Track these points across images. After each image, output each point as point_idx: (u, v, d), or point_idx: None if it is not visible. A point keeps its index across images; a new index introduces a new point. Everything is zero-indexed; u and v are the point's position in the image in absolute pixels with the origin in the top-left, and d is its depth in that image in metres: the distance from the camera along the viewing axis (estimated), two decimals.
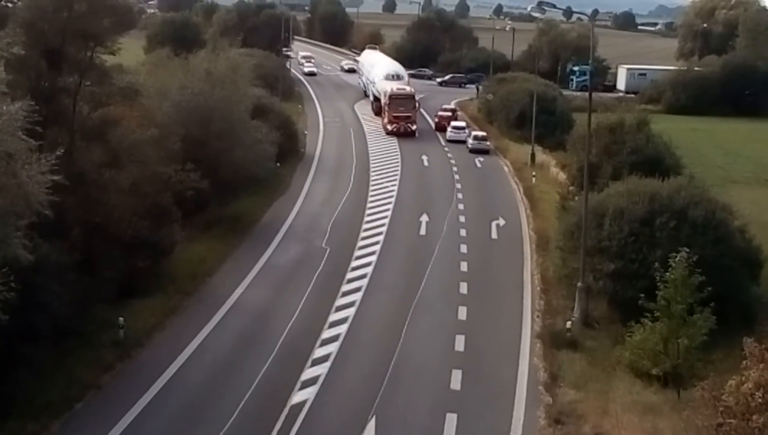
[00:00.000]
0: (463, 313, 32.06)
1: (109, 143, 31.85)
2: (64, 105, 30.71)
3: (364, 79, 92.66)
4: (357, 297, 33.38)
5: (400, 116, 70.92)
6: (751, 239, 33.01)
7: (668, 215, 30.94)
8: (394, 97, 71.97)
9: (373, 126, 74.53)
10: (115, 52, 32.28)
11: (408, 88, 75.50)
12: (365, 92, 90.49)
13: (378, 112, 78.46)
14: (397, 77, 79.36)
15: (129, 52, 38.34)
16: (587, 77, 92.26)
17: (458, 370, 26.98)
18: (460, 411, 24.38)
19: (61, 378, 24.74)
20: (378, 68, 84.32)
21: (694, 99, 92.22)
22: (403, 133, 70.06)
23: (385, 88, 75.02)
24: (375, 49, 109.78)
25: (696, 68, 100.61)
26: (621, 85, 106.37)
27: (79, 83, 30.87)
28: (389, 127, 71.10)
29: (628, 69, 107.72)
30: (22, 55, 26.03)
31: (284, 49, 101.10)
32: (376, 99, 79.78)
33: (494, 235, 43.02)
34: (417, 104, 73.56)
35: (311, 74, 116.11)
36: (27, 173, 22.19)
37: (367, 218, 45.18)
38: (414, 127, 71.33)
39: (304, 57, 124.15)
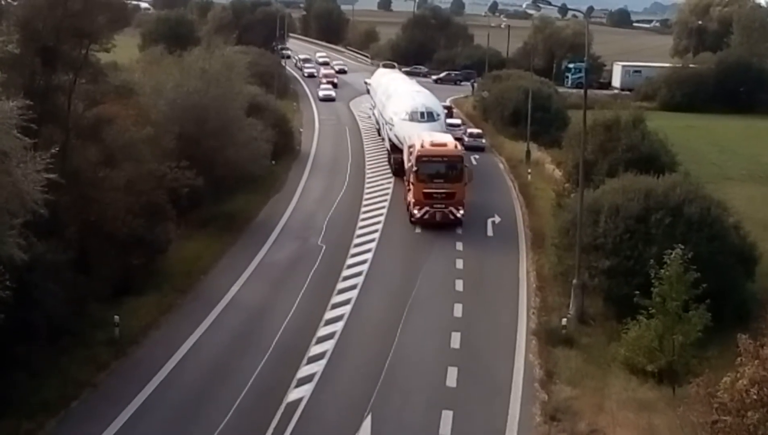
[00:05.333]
0: (458, 310, 32.05)
1: (104, 141, 31.87)
2: (59, 103, 30.71)
3: (376, 112, 65.10)
4: (353, 295, 33.36)
5: (436, 193, 41.43)
6: (745, 236, 33.04)
7: (663, 212, 31.00)
8: (425, 160, 41.92)
9: (369, 123, 74.15)
10: (110, 49, 32.36)
11: (450, 142, 44.59)
12: (378, 131, 63.80)
13: (397, 171, 50.02)
14: (428, 116, 49.37)
15: (123, 49, 38.30)
16: (582, 74, 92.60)
17: (454, 368, 26.98)
18: (456, 408, 24.39)
19: (56, 376, 24.73)
20: (397, 101, 53.80)
21: (689, 96, 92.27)
22: (439, 223, 41.73)
23: (410, 136, 46.30)
24: (393, 67, 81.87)
25: (691, 65, 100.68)
26: (616, 82, 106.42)
27: (74, 81, 30.89)
28: (416, 213, 41.63)
29: (624, 66, 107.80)
30: (16, 53, 25.98)
31: (286, 52, 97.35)
32: (396, 149, 51.05)
33: (490, 233, 42.99)
34: (468, 171, 42.96)
35: (328, 99, 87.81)
36: (22, 171, 22.21)
37: (362, 216, 45.11)
38: (460, 214, 41.83)
39: (325, 75, 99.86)
